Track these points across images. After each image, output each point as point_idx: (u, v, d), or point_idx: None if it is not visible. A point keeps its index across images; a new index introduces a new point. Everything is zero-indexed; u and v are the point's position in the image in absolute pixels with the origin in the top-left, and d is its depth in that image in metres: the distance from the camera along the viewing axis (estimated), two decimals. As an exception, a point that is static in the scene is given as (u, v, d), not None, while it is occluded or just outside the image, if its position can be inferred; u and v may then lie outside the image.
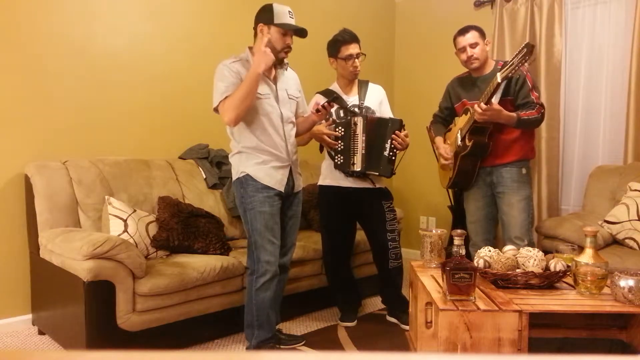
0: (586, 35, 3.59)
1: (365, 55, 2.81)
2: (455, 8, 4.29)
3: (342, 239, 2.95)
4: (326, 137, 2.69)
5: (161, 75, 3.28)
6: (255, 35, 2.35)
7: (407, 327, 2.73)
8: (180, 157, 3.31)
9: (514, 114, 2.56)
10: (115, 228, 2.55)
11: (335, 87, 2.88)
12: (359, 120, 2.69)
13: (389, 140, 2.68)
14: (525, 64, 2.44)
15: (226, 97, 2.21)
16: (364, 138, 2.68)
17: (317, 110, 2.43)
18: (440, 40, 4.39)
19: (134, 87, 3.17)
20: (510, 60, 2.39)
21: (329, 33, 2.84)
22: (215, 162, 3.33)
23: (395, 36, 4.80)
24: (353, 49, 2.75)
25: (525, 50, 2.32)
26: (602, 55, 3.52)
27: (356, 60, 2.76)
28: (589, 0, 3.56)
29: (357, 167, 2.70)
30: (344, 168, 2.74)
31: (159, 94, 3.28)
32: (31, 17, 2.77)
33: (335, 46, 2.78)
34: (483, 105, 2.48)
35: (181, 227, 2.71)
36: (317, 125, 2.70)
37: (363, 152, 2.69)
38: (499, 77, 2.43)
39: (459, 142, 2.72)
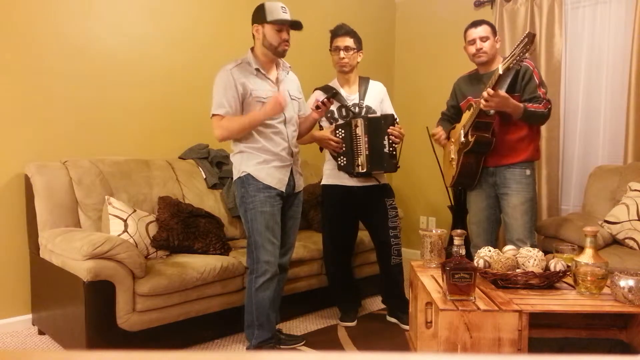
0: (586, 35, 3.59)
1: (355, 49, 2.77)
2: (455, 8, 4.28)
3: (344, 239, 2.95)
4: (332, 142, 2.70)
5: (161, 75, 3.28)
6: (254, 37, 2.36)
7: (407, 327, 2.72)
8: (180, 157, 3.31)
9: (521, 104, 2.49)
10: (115, 228, 2.55)
11: (334, 83, 2.87)
12: (360, 122, 2.69)
13: (386, 137, 2.68)
14: (527, 55, 2.37)
15: (224, 115, 2.26)
16: (366, 139, 2.68)
17: (317, 107, 2.42)
18: (440, 40, 4.39)
19: (133, 87, 3.16)
20: (512, 51, 2.34)
21: (329, 33, 2.84)
22: (215, 162, 3.33)
23: (395, 36, 4.79)
24: (341, 41, 2.75)
25: (526, 40, 2.27)
26: (602, 55, 3.51)
27: (341, 52, 2.74)
28: (589, 0, 3.56)
29: (363, 169, 2.70)
30: (349, 169, 2.73)
31: (159, 94, 3.27)
32: (31, 17, 2.76)
33: (331, 38, 2.82)
34: (490, 91, 2.39)
35: (181, 227, 2.71)
36: (321, 131, 2.70)
37: (367, 152, 2.69)
38: (500, 68, 2.37)
39: (462, 139, 2.69)
